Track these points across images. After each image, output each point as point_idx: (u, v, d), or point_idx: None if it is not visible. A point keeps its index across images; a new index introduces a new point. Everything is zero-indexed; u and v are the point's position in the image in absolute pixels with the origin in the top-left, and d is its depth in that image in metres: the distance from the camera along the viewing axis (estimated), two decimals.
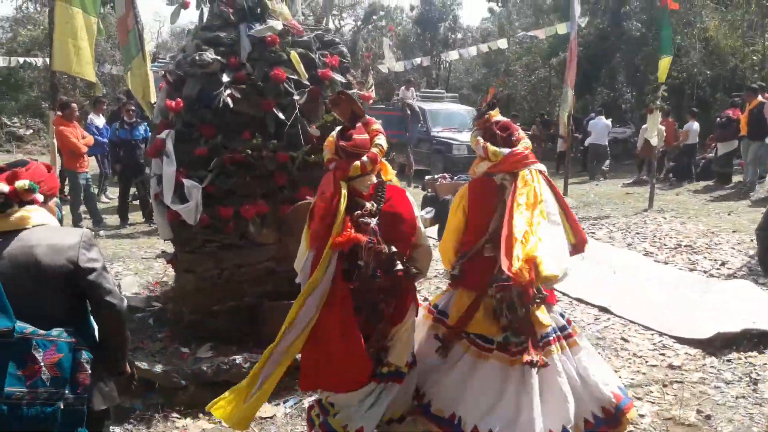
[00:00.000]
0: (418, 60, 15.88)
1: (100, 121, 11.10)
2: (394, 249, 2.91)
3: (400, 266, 2.92)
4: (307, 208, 3.27)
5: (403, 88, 16.11)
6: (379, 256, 2.87)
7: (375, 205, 2.94)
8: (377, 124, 3.15)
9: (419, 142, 15.85)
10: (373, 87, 14.84)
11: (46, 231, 2.38)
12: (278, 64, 4.46)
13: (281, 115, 4.37)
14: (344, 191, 2.85)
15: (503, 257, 2.90)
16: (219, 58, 4.40)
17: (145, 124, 9.88)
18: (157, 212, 4.46)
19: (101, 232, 8.78)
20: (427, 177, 10.90)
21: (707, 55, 18.50)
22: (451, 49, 21.07)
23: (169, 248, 5.18)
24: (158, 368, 4.05)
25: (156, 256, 7.22)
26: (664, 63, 10.30)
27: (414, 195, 11.94)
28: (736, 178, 12.28)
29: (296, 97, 4.42)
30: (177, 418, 3.95)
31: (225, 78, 4.33)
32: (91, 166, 9.79)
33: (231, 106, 4.27)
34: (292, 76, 4.47)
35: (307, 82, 4.52)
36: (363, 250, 2.83)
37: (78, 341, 2.31)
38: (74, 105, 8.87)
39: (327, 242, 2.79)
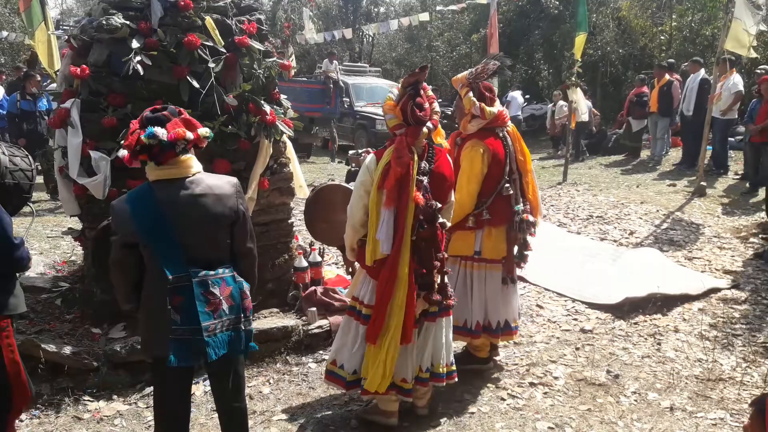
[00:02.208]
0: (339, 32, 15.63)
1: None
2: (438, 204, 3.29)
3: (441, 219, 3.35)
4: (332, 191, 4.18)
5: (326, 60, 15.87)
6: (428, 210, 3.23)
7: (427, 165, 3.29)
8: (430, 90, 3.37)
9: (343, 117, 15.71)
10: (293, 58, 14.56)
11: (206, 178, 2.63)
12: (192, 30, 4.26)
13: (196, 84, 4.18)
14: (416, 156, 3.22)
15: (535, 204, 4.12)
16: (128, 22, 4.15)
17: (47, 94, 9.26)
18: (63, 187, 4.20)
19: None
20: (350, 152, 10.83)
21: (620, 33, 19.21)
22: (374, 23, 20.91)
23: (77, 225, 4.90)
24: (67, 350, 3.86)
25: (62, 233, 6.84)
26: (580, 39, 10.61)
27: (338, 170, 11.90)
28: (644, 153, 12.91)
29: (212, 65, 4.24)
30: (89, 401, 3.78)
31: (135, 44, 4.09)
32: None
33: (141, 73, 4.05)
34: (207, 43, 4.28)
35: (223, 50, 4.35)
36: (420, 206, 3.20)
37: (236, 274, 2.69)
38: None
39: (402, 201, 3.17)
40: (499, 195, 3.91)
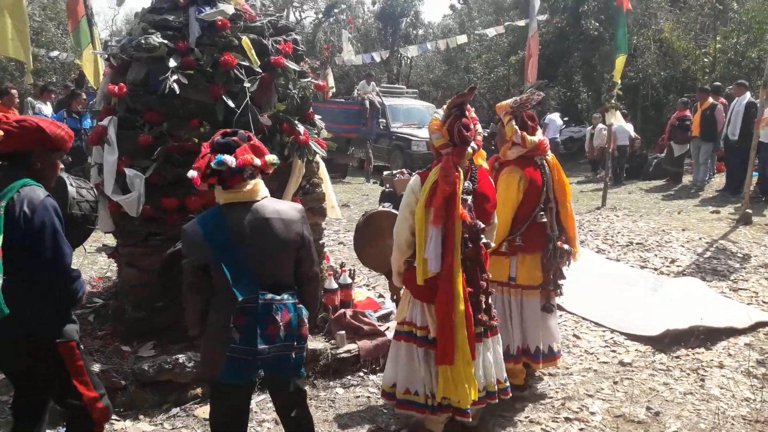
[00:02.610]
0: (376, 53, 15.72)
1: (47, 109, 10.64)
2: (482, 224, 3.36)
3: (484, 239, 3.41)
4: (381, 217, 4.15)
5: (363, 81, 15.96)
6: (473, 230, 3.31)
7: (471, 184, 3.37)
8: (473, 112, 3.45)
9: (379, 138, 15.74)
10: (332, 79, 14.66)
11: (272, 203, 2.71)
12: (229, 50, 4.29)
13: (231, 103, 4.19)
14: (461, 175, 3.28)
15: (572, 235, 4.15)
16: (166, 42, 4.20)
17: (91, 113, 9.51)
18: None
19: None
20: (385, 173, 10.80)
21: (661, 56, 18.88)
22: (412, 45, 21.01)
23: (113, 241, 4.94)
24: (96, 368, 3.84)
25: (96, 250, 6.92)
26: (620, 61, 10.42)
27: (372, 191, 11.87)
28: (686, 178, 12.57)
29: (247, 85, 4.25)
30: (116, 419, 3.75)
31: (172, 63, 4.13)
32: None
33: (177, 92, 4.08)
34: (243, 63, 4.30)
35: (259, 69, 4.36)
36: (465, 224, 3.28)
37: (298, 301, 2.74)
38: (14, 92, 8.45)
39: (450, 219, 3.22)
40: (534, 222, 3.96)
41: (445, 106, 3.44)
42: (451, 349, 3.25)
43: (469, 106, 3.39)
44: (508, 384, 3.64)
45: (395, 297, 3.82)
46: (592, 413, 4.00)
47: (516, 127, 3.91)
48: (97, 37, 8.16)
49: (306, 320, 2.78)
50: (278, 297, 2.64)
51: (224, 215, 2.62)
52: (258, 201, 2.66)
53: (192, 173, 2.59)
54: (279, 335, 2.64)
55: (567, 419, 3.92)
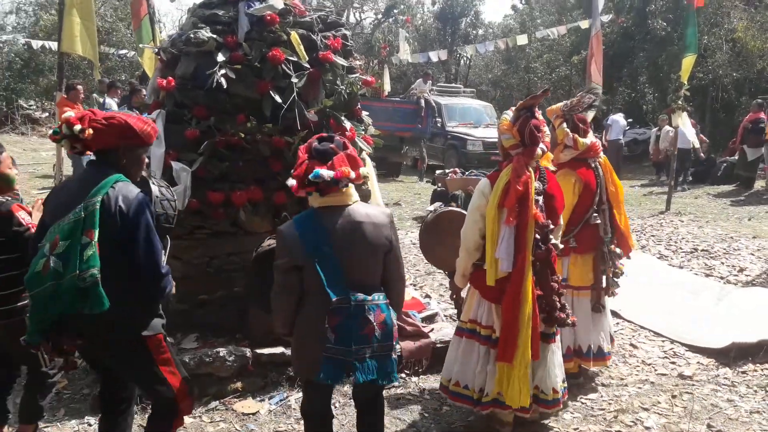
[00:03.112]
0: (433, 53, 15.56)
1: (114, 104, 11.03)
2: (552, 225, 3.45)
3: (554, 240, 3.47)
4: (452, 216, 4.06)
5: (420, 80, 15.81)
6: (544, 230, 3.39)
7: (541, 185, 3.44)
8: (540, 114, 3.49)
9: (434, 137, 15.59)
10: (388, 79, 14.59)
11: (363, 208, 2.79)
12: (277, 45, 4.25)
13: (278, 98, 4.16)
14: (532, 175, 3.36)
15: (627, 236, 4.15)
16: (215, 36, 4.20)
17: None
18: None
19: None
20: (437, 172, 10.67)
21: (734, 56, 18.00)
22: (470, 45, 20.76)
23: None
24: None
25: None
26: (688, 61, 9.96)
27: (425, 190, 11.81)
28: (758, 184, 11.92)
29: (294, 80, 4.21)
30: None
31: (220, 57, 4.13)
32: None
33: (225, 86, 4.07)
34: (291, 58, 4.25)
35: (306, 65, 4.31)
36: (537, 225, 3.37)
37: (388, 302, 2.79)
38: (80, 87, 8.74)
39: (523, 219, 3.30)
40: (587, 224, 4.03)
41: (514, 108, 3.51)
42: (512, 349, 3.33)
43: (536, 108, 3.44)
44: (559, 395, 3.59)
45: (455, 296, 3.85)
46: (647, 428, 3.77)
47: (567, 129, 3.96)
48: (158, 35, 8.35)
49: (395, 321, 2.83)
50: (369, 297, 2.69)
51: (319, 218, 2.71)
52: (350, 205, 2.74)
53: (291, 182, 2.68)
54: (375, 335, 2.69)
55: None
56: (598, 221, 3.98)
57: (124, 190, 2.55)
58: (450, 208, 4.50)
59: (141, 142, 2.67)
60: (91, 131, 2.50)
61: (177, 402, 2.79)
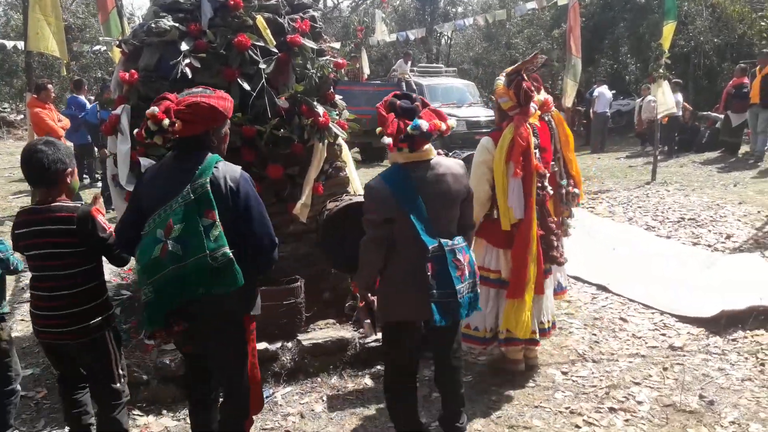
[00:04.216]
0: (412, 32, 15.34)
1: (83, 99, 10.82)
2: (548, 173, 3.89)
3: (549, 187, 3.92)
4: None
5: (401, 60, 15.56)
6: (542, 178, 3.83)
7: (536, 139, 3.81)
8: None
9: None
10: (366, 61, 14.38)
11: (443, 160, 2.96)
12: (242, 30, 4.11)
13: (246, 86, 4.02)
14: (531, 131, 3.76)
15: (578, 180, 4.27)
16: (177, 25, 4.05)
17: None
18: (116, 195, 4.12)
19: None
20: None
21: (714, 22, 17.90)
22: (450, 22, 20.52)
23: None
24: None
25: None
26: (668, 29, 9.86)
27: None
28: (743, 149, 11.88)
29: (263, 66, 4.07)
30: (138, 415, 3.68)
31: (184, 46, 3.98)
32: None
33: (190, 76, 3.92)
34: (258, 43, 4.11)
35: (274, 50, 4.17)
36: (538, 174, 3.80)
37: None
38: (50, 87, 8.51)
39: (528, 171, 3.72)
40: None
41: (504, 73, 3.90)
42: (523, 285, 3.77)
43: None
44: (551, 324, 4.18)
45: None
46: (639, 402, 3.72)
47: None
48: (127, 28, 8.14)
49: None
50: (455, 242, 2.88)
51: (407, 173, 2.84)
52: (432, 159, 2.89)
53: (387, 140, 2.77)
54: (466, 274, 2.90)
55: (611, 409, 3.65)
56: (555, 169, 4.10)
57: (227, 169, 2.58)
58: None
59: (225, 119, 2.67)
60: (179, 123, 2.50)
61: (251, 397, 2.85)
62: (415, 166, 2.85)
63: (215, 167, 2.54)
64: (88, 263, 2.86)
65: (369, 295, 3.17)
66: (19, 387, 3.32)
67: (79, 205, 2.86)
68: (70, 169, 2.87)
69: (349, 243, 2.94)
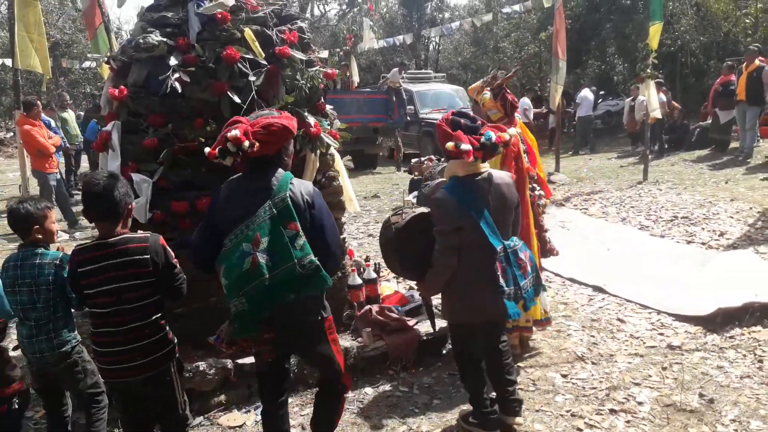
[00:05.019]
0: (400, 38, 15.37)
1: (69, 115, 10.81)
2: (535, 174, 4.40)
3: (538, 188, 4.42)
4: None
5: (395, 70, 15.57)
6: (531, 179, 4.34)
7: (523, 145, 4.29)
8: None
9: (408, 125, 15.44)
10: (356, 69, 14.40)
11: (497, 173, 3.32)
12: (231, 43, 4.08)
13: (237, 99, 3.99)
14: (519, 137, 4.13)
15: (544, 184, 4.55)
16: (165, 39, 4.02)
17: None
18: None
19: (76, 234, 8.45)
20: (413, 160, 10.56)
21: (699, 20, 18.05)
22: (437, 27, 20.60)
23: None
24: None
25: None
26: (655, 29, 9.93)
27: (403, 180, 11.59)
28: (733, 145, 11.95)
29: (252, 78, 4.05)
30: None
31: (173, 61, 3.96)
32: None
33: (180, 91, 3.90)
34: (247, 56, 4.09)
35: (263, 62, 4.15)
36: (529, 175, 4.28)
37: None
38: (39, 103, 8.48)
39: (521, 174, 4.11)
40: None
41: (488, 87, 4.34)
42: None
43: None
44: (548, 315, 4.54)
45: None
46: (640, 403, 3.72)
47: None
48: (114, 43, 8.12)
49: None
50: (515, 243, 3.23)
51: (468, 184, 3.18)
52: (485, 171, 3.23)
53: (466, 147, 3.04)
54: (528, 270, 3.24)
55: (612, 411, 3.65)
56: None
57: (301, 185, 2.83)
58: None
59: (293, 137, 2.89)
60: (258, 144, 2.66)
61: (344, 379, 3.04)
62: (473, 178, 3.19)
63: (291, 183, 2.76)
64: (156, 294, 2.85)
65: (431, 298, 3.62)
66: (106, 399, 3.27)
67: (148, 234, 2.85)
68: (133, 203, 2.89)
69: (414, 252, 3.26)
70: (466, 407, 3.65)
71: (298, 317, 2.82)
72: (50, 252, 3.07)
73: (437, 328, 3.93)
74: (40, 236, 3.07)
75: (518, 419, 3.49)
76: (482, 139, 3.09)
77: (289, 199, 2.69)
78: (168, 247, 2.86)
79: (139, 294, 2.77)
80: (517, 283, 3.14)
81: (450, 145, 3.09)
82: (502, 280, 3.10)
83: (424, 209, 3.41)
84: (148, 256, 2.75)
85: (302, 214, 2.73)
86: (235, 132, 2.65)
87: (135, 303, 2.76)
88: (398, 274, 4.09)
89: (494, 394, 3.54)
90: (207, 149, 2.86)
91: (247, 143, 2.64)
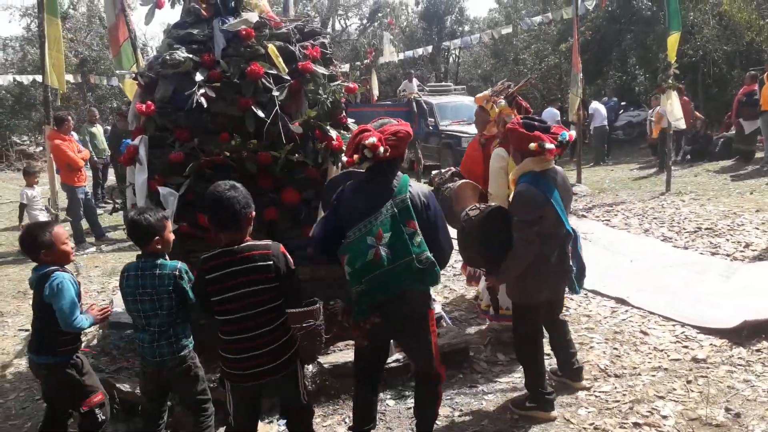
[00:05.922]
0: (420, 51, 15.47)
1: (97, 129, 11.03)
2: None
3: None
4: (465, 187, 4.48)
5: (405, 81, 15.71)
6: None
7: None
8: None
9: (428, 137, 15.51)
10: (376, 83, 14.49)
11: (557, 168, 3.69)
12: (255, 59, 4.18)
13: (261, 113, 4.08)
14: None
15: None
16: (191, 56, 4.13)
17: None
18: None
19: (103, 247, 8.60)
20: (434, 172, 10.58)
21: (722, 30, 17.87)
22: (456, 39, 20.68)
23: None
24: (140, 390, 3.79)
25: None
26: (673, 39, 9.89)
27: None
28: (758, 156, 11.79)
29: (276, 93, 4.13)
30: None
31: (198, 77, 4.06)
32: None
33: (206, 106, 4.00)
34: (271, 71, 4.18)
35: (287, 77, 4.24)
36: None
37: None
38: (70, 119, 8.65)
39: None
40: None
41: (502, 96, 4.74)
42: None
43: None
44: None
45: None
46: (664, 417, 3.68)
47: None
48: (140, 59, 8.28)
49: None
50: (576, 227, 3.67)
51: (545, 177, 3.55)
52: (553, 166, 3.63)
53: (550, 146, 3.43)
54: (581, 253, 3.74)
55: (636, 425, 3.62)
56: None
57: (418, 187, 3.13)
58: (496, 205, 4.13)
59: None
60: (390, 150, 2.96)
61: (439, 368, 3.27)
62: (546, 171, 3.57)
63: (409, 185, 3.06)
64: (279, 299, 2.95)
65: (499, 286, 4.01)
66: (213, 407, 3.40)
67: (269, 242, 2.96)
68: (254, 212, 2.98)
69: (493, 243, 3.51)
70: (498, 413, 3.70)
71: (409, 307, 3.08)
72: (169, 263, 3.20)
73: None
74: (159, 246, 3.20)
75: (584, 383, 4.06)
76: (559, 138, 3.49)
77: (408, 200, 2.98)
78: (288, 255, 2.98)
79: (264, 298, 2.88)
80: (582, 261, 3.70)
81: (533, 145, 3.44)
82: (572, 260, 3.65)
83: (494, 204, 3.75)
84: (271, 263, 2.86)
85: (419, 213, 3.01)
86: (372, 139, 2.92)
87: (260, 307, 2.87)
88: (472, 264, 4.38)
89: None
90: (344, 158, 3.37)
91: (382, 149, 2.92)
